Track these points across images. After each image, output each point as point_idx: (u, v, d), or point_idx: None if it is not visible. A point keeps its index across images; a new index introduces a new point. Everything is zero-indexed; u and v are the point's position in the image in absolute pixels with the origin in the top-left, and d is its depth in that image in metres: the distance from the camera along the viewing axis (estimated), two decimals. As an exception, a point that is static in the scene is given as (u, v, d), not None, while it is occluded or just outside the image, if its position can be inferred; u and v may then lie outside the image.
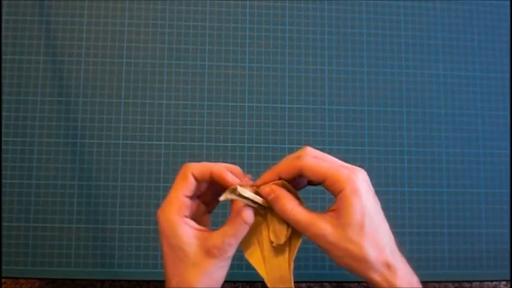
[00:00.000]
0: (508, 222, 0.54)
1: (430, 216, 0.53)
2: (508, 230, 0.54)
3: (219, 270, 0.32)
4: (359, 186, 0.31)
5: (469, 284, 0.90)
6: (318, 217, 0.31)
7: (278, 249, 0.34)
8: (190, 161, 0.51)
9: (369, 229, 0.30)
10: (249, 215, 0.32)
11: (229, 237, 0.32)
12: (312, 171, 0.31)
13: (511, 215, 0.54)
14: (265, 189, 0.32)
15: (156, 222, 0.50)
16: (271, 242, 0.34)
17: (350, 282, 0.65)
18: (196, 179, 0.33)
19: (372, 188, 0.32)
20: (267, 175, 0.33)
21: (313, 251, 0.51)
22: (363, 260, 0.30)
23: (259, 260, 0.34)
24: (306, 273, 0.51)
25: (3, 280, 0.65)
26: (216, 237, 0.32)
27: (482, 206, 0.54)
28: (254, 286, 0.85)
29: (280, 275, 0.34)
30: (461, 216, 0.53)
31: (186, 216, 0.33)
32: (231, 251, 0.32)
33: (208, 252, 0.31)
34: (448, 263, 0.53)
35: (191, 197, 0.33)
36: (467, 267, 0.53)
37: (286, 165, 0.32)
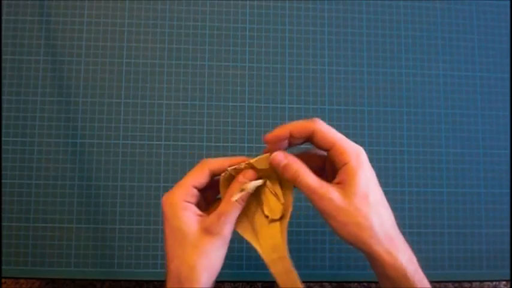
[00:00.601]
0: (508, 222, 0.54)
1: (430, 216, 0.53)
2: (508, 230, 0.54)
3: (216, 251, 0.33)
4: (364, 160, 0.32)
5: (469, 284, 0.90)
6: (326, 183, 0.32)
7: (271, 222, 0.35)
8: (190, 162, 0.52)
9: (373, 200, 0.31)
10: (241, 196, 0.33)
11: (224, 215, 0.33)
12: (323, 135, 0.33)
13: (511, 215, 0.54)
14: (277, 156, 0.33)
15: (157, 222, 0.51)
16: (266, 217, 0.35)
17: (350, 282, 0.65)
18: (214, 173, 0.34)
19: (372, 170, 0.33)
20: (278, 131, 0.34)
21: (313, 251, 0.51)
22: (368, 228, 0.31)
23: (252, 234, 0.35)
24: (306, 273, 0.51)
25: (3, 280, 0.65)
26: (212, 215, 0.33)
27: (482, 206, 0.54)
28: (254, 286, 0.85)
29: (273, 244, 0.35)
30: (461, 216, 0.53)
31: (189, 203, 0.34)
32: (226, 230, 0.33)
33: (205, 230, 0.33)
34: (448, 263, 0.53)
35: (199, 190, 0.35)
36: (467, 267, 0.53)
37: (300, 124, 0.34)
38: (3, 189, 0.51)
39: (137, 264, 0.50)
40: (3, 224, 0.50)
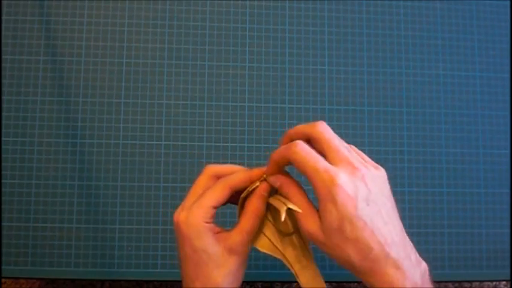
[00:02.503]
0: (508, 222, 0.54)
1: (430, 216, 0.53)
2: (508, 230, 0.54)
3: (240, 268, 0.34)
4: (335, 193, 0.29)
5: (469, 284, 0.90)
6: (310, 214, 0.31)
7: (285, 234, 0.35)
8: (190, 161, 0.52)
9: (351, 234, 0.29)
10: (263, 211, 0.34)
11: (248, 232, 0.33)
12: (298, 167, 0.31)
13: (511, 215, 0.54)
14: (270, 178, 0.33)
15: (157, 222, 0.51)
16: (280, 231, 0.35)
17: (350, 282, 0.65)
18: (235, 190, 0.34)
19: (363, 188, 0.30)
20: (270, 166, 0.34)
21: (313, 251, 0.51)
22: (348, 263, 0.30)
23: (274, 248, 0.35)
24: (306, 273, 0.51)
25: (3, 280, 0.65)
26: (236, 234, 0.33)
27: (482, 206, 0.54)
28: (254, 286, 0.85)
29: (296, 254, 0.35)
30: (461, 216, 0.53)
31: (209, 223, 0.33)
32: (249, 247, 0.34)
33: (231, 250, 0.33)
34: (448, 263, 0.53)
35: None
36: (467, 267, 0.53)
37: (280, 155, 0.32)
38: (3, 189, 0.51)
39: (137, 264, 0.50)
40: (3, 224, 0.50)
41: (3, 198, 0.50)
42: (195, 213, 0.33)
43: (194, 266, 0.33)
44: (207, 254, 0.32)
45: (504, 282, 0.91)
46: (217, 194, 0.33)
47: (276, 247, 0.35)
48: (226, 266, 0.33)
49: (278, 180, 0.33)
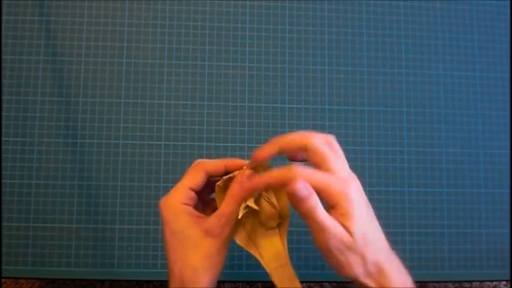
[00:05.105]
0: (508, 222, 0.54)
1: (430, 216, 0.53)
2: (508, 230, 0.54)
3: (218, 253, 0.33)
4: (354, 196, 0.31)
5: (469, 284, 0.90)
6: (335, 220, 0.31)
7: (268, 229, 0.35)
8: (190, 162, 0.52)
9: (371, 238, 0.31)
10: (241, 196, 0.33)
11: (224, 216, 0.33)
12: (320, 154, 0.31)
13: (511, 215, 0.54)
14: (297, 185, 0.30)
15: (157, 222, 0.51)
16: (263, 226, 0.35)
17: (350, 282, 0.65)
18: (210, 174, 0.35)
19: (364, 196, 0.32)
20: (268, 148, 0.33)
21: (314, 251, 0.51)
22: (363, 266, 0.30)
23: (251, 244, 0.35)
24: (306, 273, 0.51)
25: (3, 280, 0.65)
26: (213, 217, 0.33)
27: (482, 206, 0.54)
28: (254, 286, 0.85)
29: (273, 253, 0.35)
30: (461, 216, 0.53)
31: (188, 205, 0.34)
32: (227, 231, 0.33)
33: (207, 232, 0.33)
34: (448, 263, 0.53)
35: (197, 192, 0.35)
36: (467, 267, 0.53)
37: (295, 140, 0.32)
38: (3, 189, 0.51)
39: (137, 264, 0.50)
40: (3, 224, 0.50)
41: (3, 198, 0.50)
42: (172, 195, 0.34)
43: (173, 249, 0.33)
44: (184, 235, 0.33)
45: (504, 282, 0.91)
46: (192, 176, 0.34)
47: (252, 243, 0.35)
48: (202, 247, 0.33)
49: (307, 190, 0.30)
